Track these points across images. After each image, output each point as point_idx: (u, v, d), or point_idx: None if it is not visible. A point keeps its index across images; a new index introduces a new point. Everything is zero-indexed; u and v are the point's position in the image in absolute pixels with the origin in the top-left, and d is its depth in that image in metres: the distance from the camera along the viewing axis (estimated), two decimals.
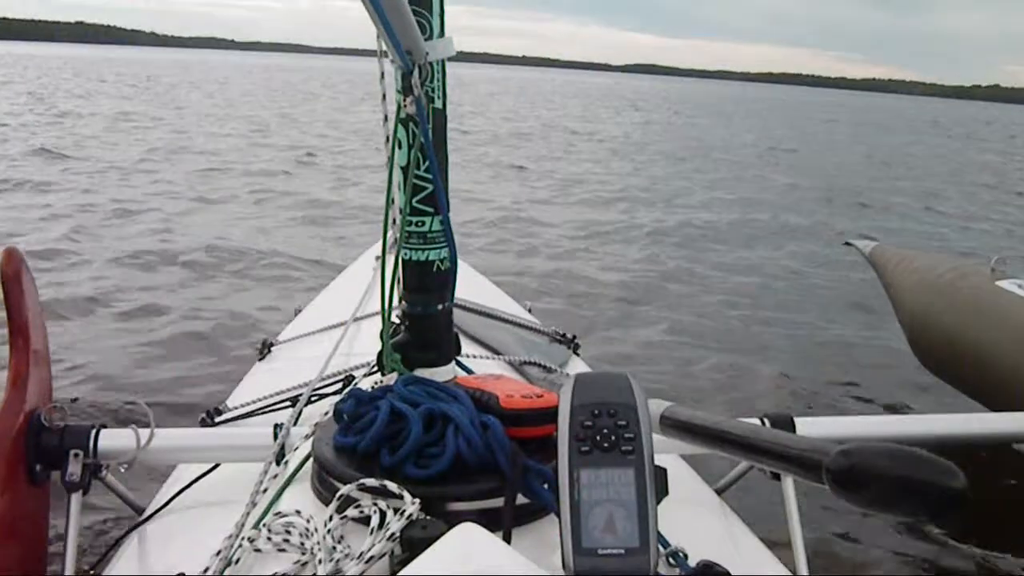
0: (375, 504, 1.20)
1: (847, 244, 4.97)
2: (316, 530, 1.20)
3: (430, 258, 1.58)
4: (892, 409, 4.63)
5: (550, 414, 1.15)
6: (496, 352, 2.22)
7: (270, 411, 1.85)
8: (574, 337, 2.60)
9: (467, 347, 1.96)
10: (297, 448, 1.51)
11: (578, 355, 2.52)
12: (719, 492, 1.77)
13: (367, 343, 2.05)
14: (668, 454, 1.44)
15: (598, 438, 1.05)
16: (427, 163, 1.52)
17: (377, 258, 2.88)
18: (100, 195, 10.28)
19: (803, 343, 5.93)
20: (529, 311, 3.15)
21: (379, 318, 1.64)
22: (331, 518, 1.21)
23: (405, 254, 1.58)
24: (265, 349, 2.64)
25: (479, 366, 1.96)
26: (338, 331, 2.30)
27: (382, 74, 1.63)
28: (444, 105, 1.55)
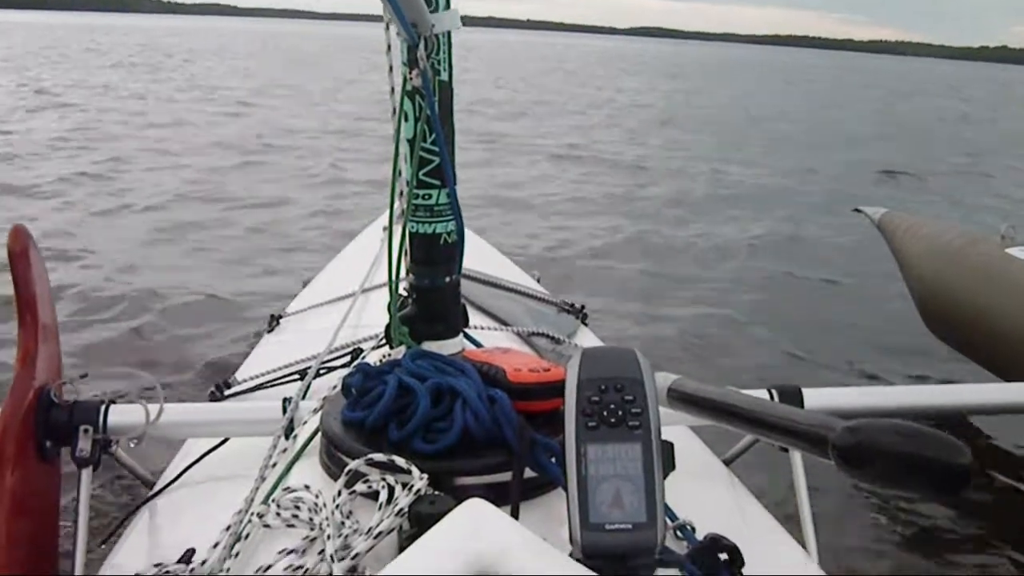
0: (383, 479, 1.20)
1: (857, 211, 4.91)
2: (325, 505, 1.21)
3: (437, 231, 1.57)
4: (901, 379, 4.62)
5: (557, 388, 1.15)
6: (504, 323, 2.22)
7: (279, 384, 1.86)
8: (582, 307, 2.60)
9: (475, 318, 1.96)
10: (306, 422, 1.51)
11: (586, 325, 2.52)
12: (727, 463, 1.77)
13: (375, 315, 2.05)
14: (676, 426, 1.44)
15: (605, 413, 1.05)
16: (433, 136, 1.51)
17: (384, 229, 2.88)
18: None
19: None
20: (538, 280, 3.15)
21: (386, 290, 1.64)
22: (339, 493, 1.22)
23: (412, 227, 1.58)
24: (274, 321, 2.64)
25: (487, 338, 1.95)
26: (346, 303, 2.30)
27: (388, 46, 1.61)
28: (450, 77, 1.54)
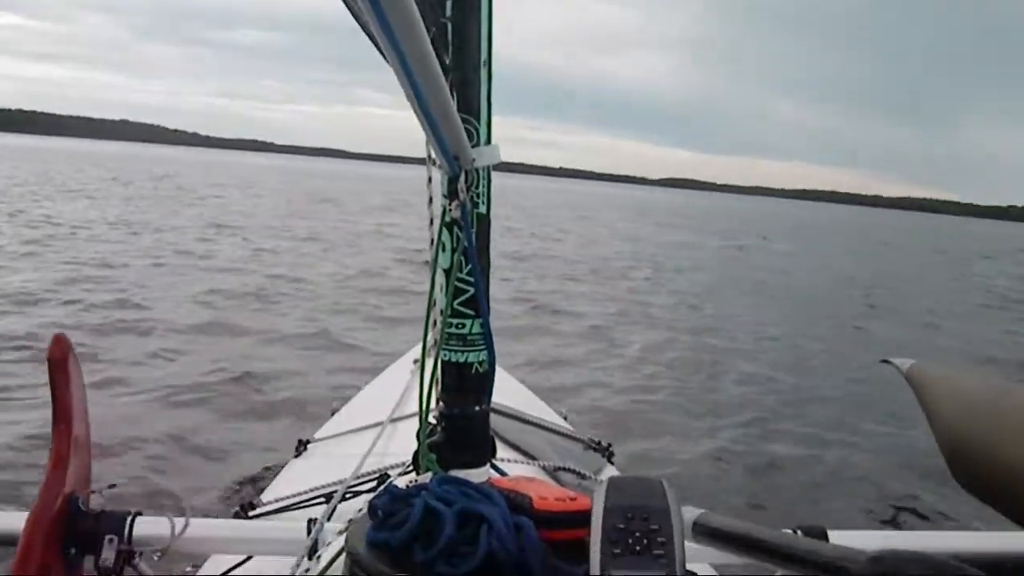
0: None
1: (885, 362, 4.88)
2: None
3: (469, 360, 1.60)
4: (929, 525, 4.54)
5: (583, 517, 1.15)
6: (531, 457, 2.22)
7: (304, 507, 1.86)
8: (609, 445, 2.60)
9: (502, 451, 1.97)
10: (330, 544, 1.51)
11: (612, 463, 2.51)
12: None
13: (403, 443, 2.06)
14: (700, 564, 1.43)
15: (630, 541, 1.05)
16: (469, 266, 1.56)
17: (415, 361, 2.92)
18: None
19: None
20: (565, 418, 3.16)
21: (415, 419, 1.65)
22: None
23: (444, 355, 1.61)
24: (301, 446, 2.66)
25: (513, 470, 1.96)
26: (374, 431, 2.32)
27: (429, 178, 1.68)
28: (488, 210, 1.59)
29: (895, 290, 19.51)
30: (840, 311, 15.04)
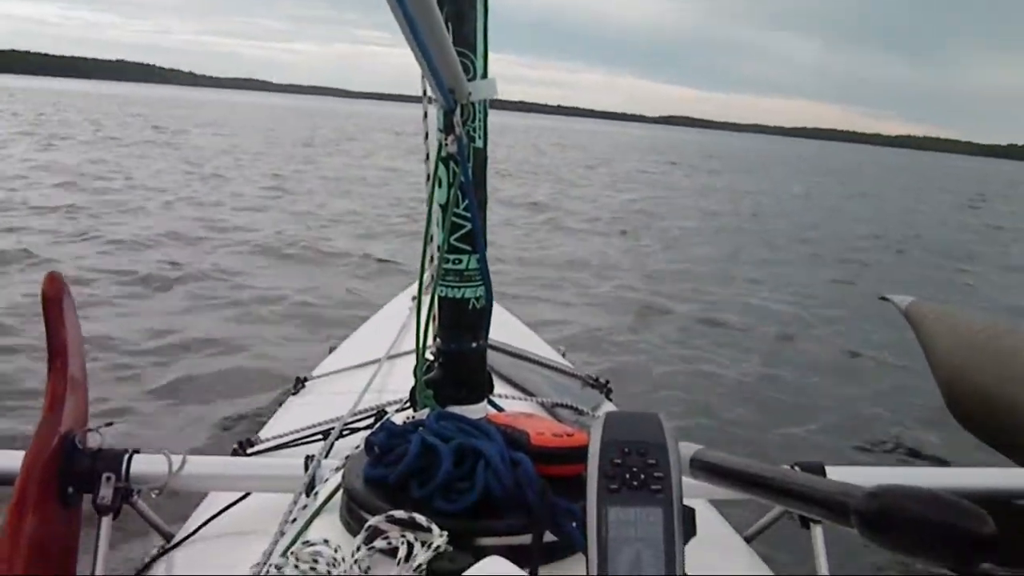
0: (403, 536, 1.20)
1: (883, 299, 4.90)
2: (343, 560, 1.21)
3: (466, 296, 1.59)
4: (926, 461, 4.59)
5: (580, 453, 1.15)
6: (528, 393, 2.22)
7: (302, 443, 1.87)
8: (607, 382, 2.61)
9: (499, 387, 1.97)
10: (327, 480, 1.52)
11: (611, 400, 2.52)
12: (748, 540, 1.75)
13: (400, 380, 2.06)
14: (698, 499, 1.44)
15: (627, 476, 1.04)
16: (466, 201, 1.54)
17: (413, 298, 2.91)
18: None
19: None
20: (563, 355, 3.16)
21: (413, 356, 1.65)
22: (359, 548, 1.22)
23: (441, 291, 1.60)
24: (299, 384, 2.66)
25: (511, 406, 1.96)
26: (371, 368, 2.32)
27: (425, 113, 1.66)
28: (485, 145, 1.57)
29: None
30: None
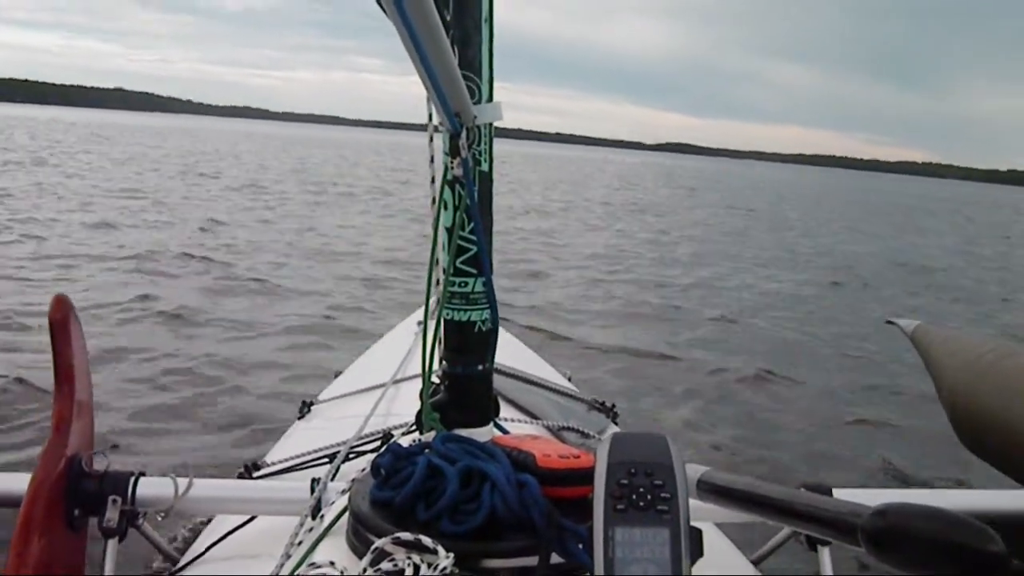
0: (409, 558, 1.20)
1: (889, 323, 4.88)
2: None
3: (472, 319, 1.59)
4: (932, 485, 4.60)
5: (587, 474, 1.14)
6: (534, 417, 2.22)
7: (308, 467, 1.87)
8: (613, 406, 2.60)
9: (505, 411, 1.97)
10: (333, 503, 1.51)
11: (616, 424, 2.51)
12: (755, 563, 1.75)
13: (406, 405, 2.06)
14: (704, 522, 1.43)
15: (634, 496, 1.04)
16: (472, 225, 1.55)
17: (418, 323, 2.92)
18: None
19: None
20: (569, 379, 3.16)
21: (418, 381, 1.65)
22: (365, 570, 1.21)
23: (447, 314, 1.60)
24: (304, 408, 2.66)
25: (517, 429, 1.95)
26: (377, 392, 2.32)
27: (430, 137, 1.67)
28: (490, 168, 1.58)
29: None
30: None
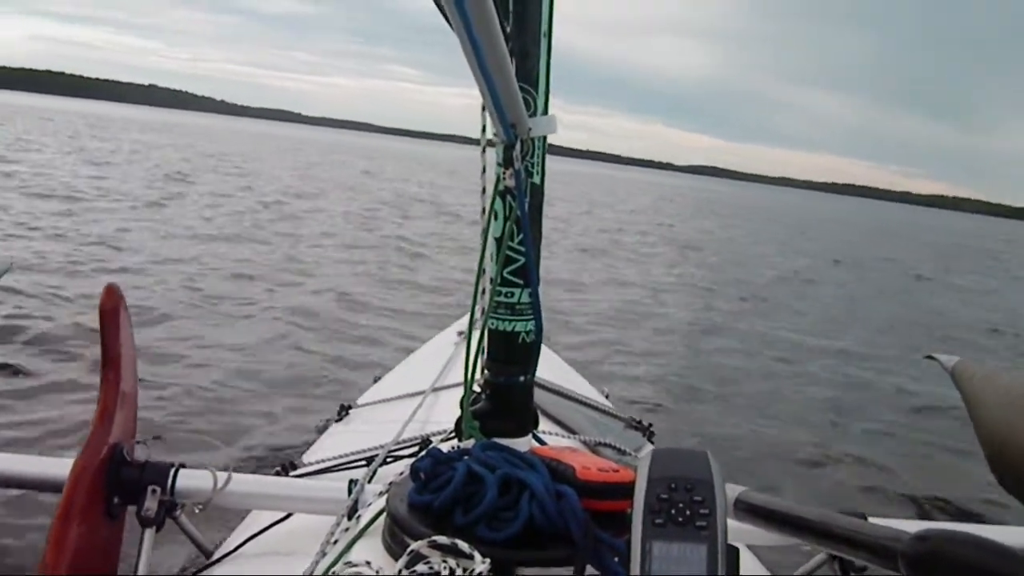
0: (445, 561, 1.20)
1: (929, 358, 4.85)
2: None
3: (516, 329, 1.60)
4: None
5: (626, 489, 1.15)
6: (571, 431, 2.22)
7: (345, 468, 1.88)
8: (650, 425, 2.61)
9: (544, 425, 1.97)
10: (370, 504, 1.52)
11: (652, 443, 2.51)
12: None
13: (445, 412, 2.07)
14: (739, 544, 1.43)
15: (673, 511, 1.04)
16: (521, 235, 1.55)
17: (459, 333, 2.93)
18: None
19: None
20: (607, 396, 3.16)
21: (458, 389, 1.65)
22: (400, 572, 1.22)
23: (492, 323, 1.60)
24: (343, 411, 2.67)
25: (555, 443, 1.96)
26: (416, 398, 2.33)
27: (484, 148, 1.68)
28: (542, 181, 1.58)
29: None
30: None
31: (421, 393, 2.39)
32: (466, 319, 1.70)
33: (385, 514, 1.42)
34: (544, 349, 2.33)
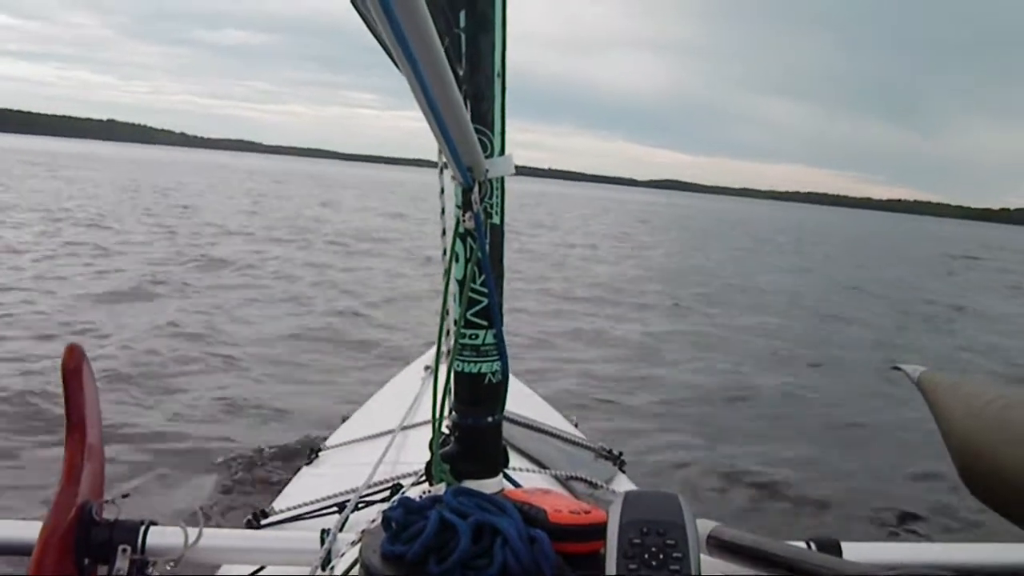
0: None
1: (895, 368, 4.90)
2: None
3: (482, 370, 1.59)
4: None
5: (597, 530, 1.15)
6: (543, 466, 2.22)
7: (316, 516, 1.86)
8: (620, 454, 2.61)
9: (514, 460, 1.96)
10: (344, 554, 1.51)
11: (623, 472, 2.52)
12: None
13: (414, 452, 2.06)
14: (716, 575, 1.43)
15: (646, 556, 1.05)
16: (483, 277, 1.55)
17: (426, 368, 2.92)
18: None
19: None
20: (575, 425, 3.16)
21: (427, 427, 1.65)
22: None
23: (457, 366, 1.60)
24: (312, 455, 2.65)
25: (526, 479, 1.95)
26: (385, 439, 2.31)
27: (442, 189, 1.68)
28: (502, 221, 1.59)
29: None
30: None
31: (390, 432, 2.38)
32: (432, 353, 1.70)
33: (359, 565, 1.41)
34: (513, 380, 2.33)
